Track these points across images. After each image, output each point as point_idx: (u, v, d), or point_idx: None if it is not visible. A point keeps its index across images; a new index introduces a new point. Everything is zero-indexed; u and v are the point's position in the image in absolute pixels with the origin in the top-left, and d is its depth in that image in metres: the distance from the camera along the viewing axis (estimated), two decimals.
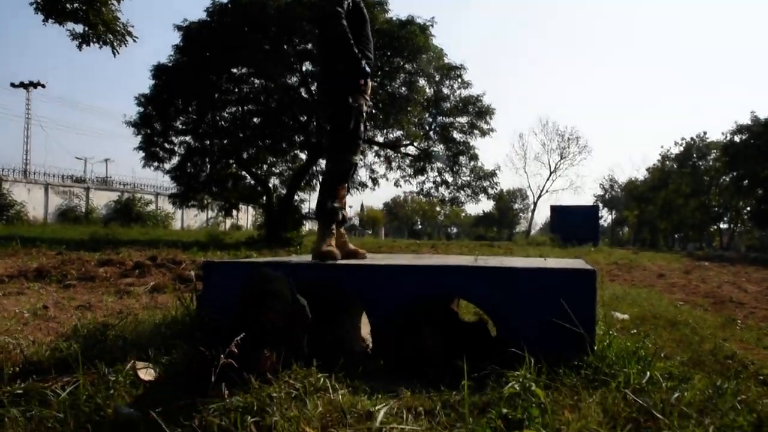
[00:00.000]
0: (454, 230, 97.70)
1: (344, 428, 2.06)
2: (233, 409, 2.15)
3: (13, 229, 21.67)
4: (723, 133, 52.23)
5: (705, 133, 59.43)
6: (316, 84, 4.61)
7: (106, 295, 6.32)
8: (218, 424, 2.05)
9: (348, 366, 2.79)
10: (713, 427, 2.05)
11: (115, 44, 13.76)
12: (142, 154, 22.58)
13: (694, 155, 57.02)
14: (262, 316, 2.78)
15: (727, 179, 49.56)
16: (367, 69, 4.26)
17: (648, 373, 2.67)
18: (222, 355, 2.10)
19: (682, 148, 58.25)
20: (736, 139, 43.65)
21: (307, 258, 4.39)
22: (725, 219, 58.25)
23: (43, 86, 48.95)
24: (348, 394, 2.43)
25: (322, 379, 2.49)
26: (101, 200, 38.20)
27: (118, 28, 13.73)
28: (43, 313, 4.93)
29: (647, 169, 68.11)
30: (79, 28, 13.66)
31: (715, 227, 60.08)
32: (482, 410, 2.32)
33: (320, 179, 4.24)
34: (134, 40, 14.15)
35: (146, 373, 2.70)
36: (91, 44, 13.74)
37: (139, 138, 22.48)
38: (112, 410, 2.22)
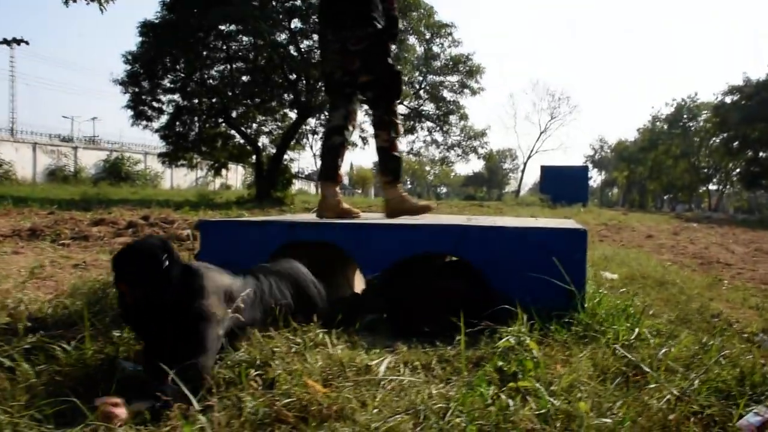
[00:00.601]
0: (444, 190, 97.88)
1: (345, 381, 2.13)
2: (237, 363, 2.22)
3: (2, 188, 21.54)
4: (714, 94, 52.27)
5: (696, 93, 59.63)
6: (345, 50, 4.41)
7: (100, 253, 6.35)
8: (224, 377, 2.12)
9: (345, 323, 2.87)
10: (698, 380, 2.14)
11: (102, 0, 13.54)
12: (130, 112, 22.41)
13: (685, 116, 57.10)
14: None
15: (717, 140, 49.76)
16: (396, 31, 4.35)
17: (636, 330, 2.76)
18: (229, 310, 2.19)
19: (672, 109, 58.30)
20: (727, 100, 43.69)
21: (299, 216, 4.44)
22: (714, 180, 58.70)
23: (27, 43, 48.24)
24: (347, 349, 2.51)
25: (321, 335, 2.56)
26: (90, 160, 37.92)
27: None
28: (41, 272, 4.97)
29: (637, 130, 68.29)
30: None
31: (704, 189, 60.51)
32: (476, 364, 2.40)
33: (380, 154, 4.31)
34: None
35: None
36: (78, 0, 13.51)
37: (127, 96, 22.29)
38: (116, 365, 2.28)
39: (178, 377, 1.92)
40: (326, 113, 24.86)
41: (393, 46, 4.49)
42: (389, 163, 4.43)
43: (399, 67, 4.37)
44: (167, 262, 2.23)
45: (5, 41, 47.46)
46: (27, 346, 2.37)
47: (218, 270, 2.51)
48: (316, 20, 22.26)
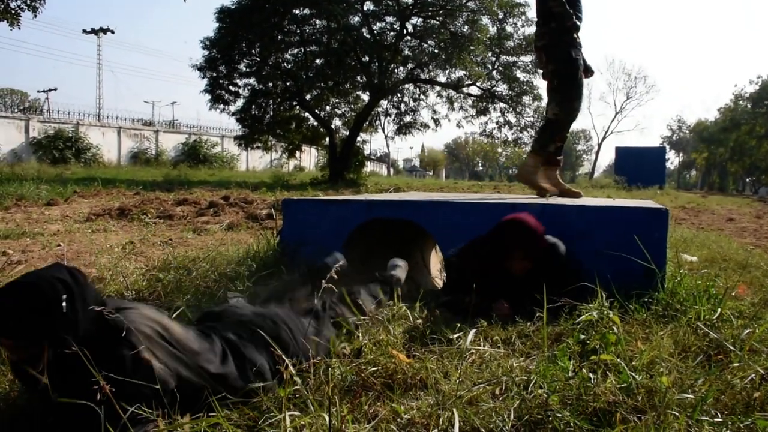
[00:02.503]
0: (516, 172, 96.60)
1: (428, 352, 2.22)
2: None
3: (91, 171, 22.55)
4: None
5: None
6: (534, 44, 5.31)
7: (185, 231, 6.64)
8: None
9: (424, 299, 2.95)
10: None
11: None
12: (208, 96, 22.98)
13: None
14: None
15: None
16: (578, 23, 4.74)
17: (719, 310, 2.73)
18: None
19: (757, 87, 55.53)
20: None
21: (377, 196, 4.54)
22: None
23: (113, 32, 49.96)
24: (427, 322, 2.59)
25: (403, 308, 2.65)
26: (169, 143, 39.11)
27: None
28: (132, 248, 5.24)
29: (718, 110, 65.56)
30: None
31: None
32: (556, 339, 2.44)
33: (542, 124, 4.98)
34: None
35: (236, 302, 2.92)
36: None
37: (205, 81, 22.86)
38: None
39: None
40: (398, 95, 24.97)
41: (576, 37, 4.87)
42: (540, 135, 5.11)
43: (576, 56, 4.78)
44: (69, 305, 1.65)
45: (93, 31, 49.37)
46: None
47: (149, 308, 1.94)
48: (390, 2, 22.36)
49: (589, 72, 5.06)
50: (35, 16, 16.82)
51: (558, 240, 3.10)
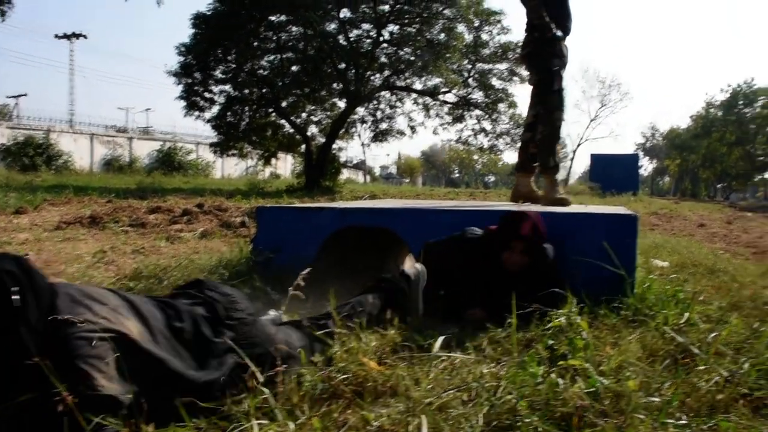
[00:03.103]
0: (492, 179, 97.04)
1: (398, 359, 2.22)
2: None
3: (62, 178, 22.29)
4: None
5: (752, 79, 57.34)
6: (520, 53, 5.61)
7: (158, 240, 6.58)
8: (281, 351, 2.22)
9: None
10: (748, 364, 2.16)
11: None
12: (183, 103, 22.81)
13: (740, 102, 55.24)
14: None
15: None
16: (558, 33, 4.79)
17: (686, 314, 2.77)
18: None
19: (727, 95, 56.43)
20: None
21: (351, 203, 4.55)
22: None
23: (85, 37, 49.62)
24: (399, 330, 2.60)
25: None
26: (144, 150, 38.82)
27: None
28: (103, 257, 5.19)
29: (690, 117, 66.52)
30: None
31: (760, 177, 58.60)
32: (527, 345, 2.46)
33: (538, 139, 5.07)
34: None
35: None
36: None
37: (180, 87, 22.70)
38: None
39: None
40: (375, 102, 25.02)
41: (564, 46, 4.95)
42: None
43: (556, 67, 4.83)
44: (20, 297, 1.51)
45: (65, 35, 48.91)
46: None
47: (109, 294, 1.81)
48: (366, 10, 22.41)
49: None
50: (3, 19, 16.59)
51: (550, 245, 3.14)
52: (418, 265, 3.12)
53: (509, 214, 3.13)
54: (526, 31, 4.95)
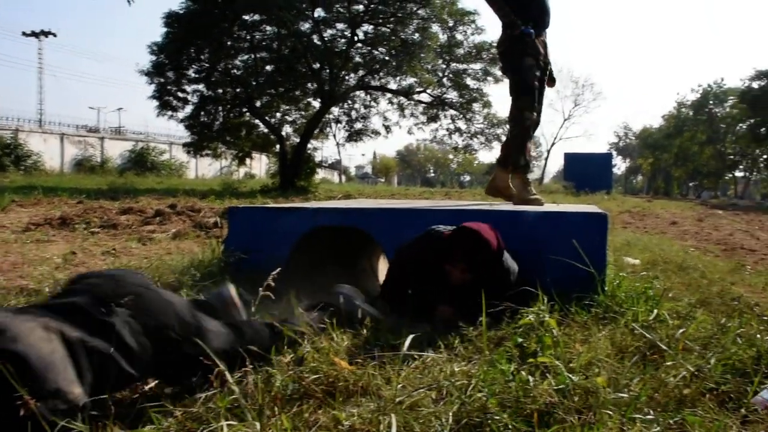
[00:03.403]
0: (467, 178, 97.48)
1: (370, 359, 2.22)
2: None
3: (31, 179, 21.95)
4: (741, 80, 51.33)
5: (722, 79, 58.39)
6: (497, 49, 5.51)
7: (129, 241, 6.51)
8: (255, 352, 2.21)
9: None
10: (715, 359, 2.19)
11: None
12: (155, 103, 22.58)
13: (711, 102, 56.18)
14: None
15: (744, 126, 49.03)
16: (529, 29, 4.60)
17: (656, 311, 2.81)
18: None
19: (698, 95, 57.34)
20: (755, 85, 43.00)
21: (324, 203, 4.54)
22: (741, 167, 57.74)
23: (54, 35, 48.93)
24: (372, 330, 2.59)
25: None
26: (116, 150, 38.37)
27: None
28: (72, 259, 5.12)
29: (662, 117, 67.46)
30: None
31: (731, 175, 59.60)
32: (498, 343, 2.47)
33: (509, 137, 4.91)
34: None
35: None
36: None
37: (152, 87, 22.48)
38: None
39: None
40: (349, 102, 25.02)
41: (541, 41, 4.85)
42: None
43: (529, 65, 4.69)
44: None
45: (33, 33, 48.15)
46: None
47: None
48: (341, 9, 22.38)
49: (552, 82, 5.11)
50: None
51: (512, 264, 3.07)
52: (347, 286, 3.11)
53: (456, 230, 3.00)
54: (501, 28, 4.83)
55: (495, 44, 5.36)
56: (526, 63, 4.67)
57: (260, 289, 1.95)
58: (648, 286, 3.18)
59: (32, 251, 5.47)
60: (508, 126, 5.04)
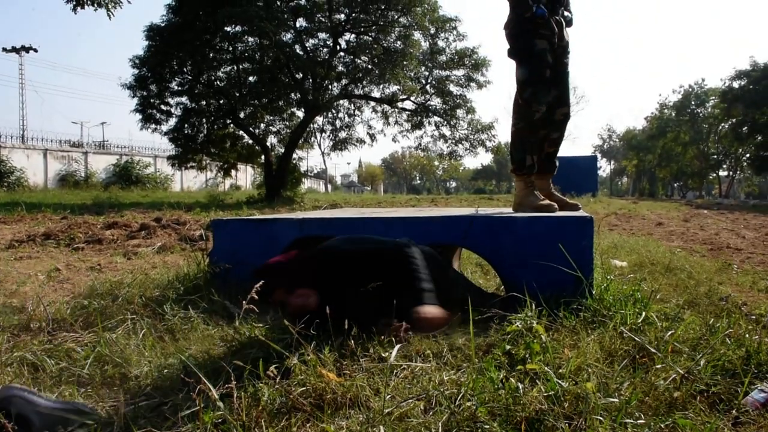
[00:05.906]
0: (453, 184, 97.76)
1: (358, 370, 2.19)
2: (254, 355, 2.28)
3: (15, 195, 21.76)
4: (722, 80, 51.93)
5: (703, 80, 59.14)
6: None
7: (114, 256, 6.44)
8: (239, 366, 2.18)
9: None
10: (704, 360, 2.18)
11: (110, 6, 13.64)
12: (139, 116, 22.52)
13: (693, 103, 56.71)
14: None
15: (726, 126, 49.53)
16: (538, 11, 4.01)
17: (644, 313, 2.79)
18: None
19: (680, 96, 57.89)
20: (735, 85, 43.48)
21: (309, 213, 4.51)
22: (724, 166, 58.23)
23: (36, 50, 48.60)
24: (358, 341, 2.56)
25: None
26: (100, 164, 38.14)
27: None
28: (57, 275, 5.05)
29: (645, 118, 68.01)
30: None
31: (714, 175, 60.11)
32: (486, 351, 2.45)
33: (512, 132, 4.26)
34: (129, 2, 14.04)
35: None
36: (86, 7, 13.63)
37: (135, 100, 22.40)
38: None
39: None
40: (333, 111, 25.02)
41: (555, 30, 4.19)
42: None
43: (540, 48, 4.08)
44: None
45: (14, 49, 47.83)
46: (48, 345, 2.44)
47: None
48: (322, 19, 22.39)
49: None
50: None
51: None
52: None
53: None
54: (509, 6, 4.21)
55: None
56: (537, 47, 4.07)
57: (244, 302, 1.92)
58: (636, 288, 3.17)
59: (17, 268, 5.40)
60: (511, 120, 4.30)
